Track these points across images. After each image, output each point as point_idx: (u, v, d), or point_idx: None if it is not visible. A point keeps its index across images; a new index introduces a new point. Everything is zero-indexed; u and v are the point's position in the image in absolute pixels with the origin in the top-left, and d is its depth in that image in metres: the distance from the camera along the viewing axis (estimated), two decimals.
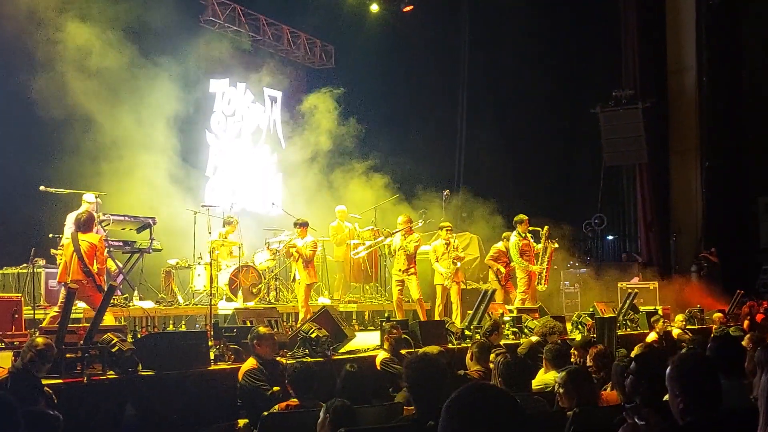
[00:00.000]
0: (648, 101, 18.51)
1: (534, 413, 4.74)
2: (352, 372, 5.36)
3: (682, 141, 19.71)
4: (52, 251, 10.16)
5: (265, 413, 5.08)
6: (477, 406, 2.13)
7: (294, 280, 11.26)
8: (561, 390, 4.66)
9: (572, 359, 6.74)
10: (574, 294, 16.11)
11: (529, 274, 12.31)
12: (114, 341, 5.93)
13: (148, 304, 10.30)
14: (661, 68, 19.63)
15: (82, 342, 5.95)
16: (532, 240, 12.56)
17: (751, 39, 19.51)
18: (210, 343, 7.14)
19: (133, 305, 10.11)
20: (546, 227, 12.64)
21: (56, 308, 8.53)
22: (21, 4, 11.15)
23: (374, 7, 17.89)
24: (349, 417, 4.27)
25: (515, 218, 12.68)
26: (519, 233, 12.44)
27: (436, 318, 11.48)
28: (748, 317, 13.54)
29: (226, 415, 6.20)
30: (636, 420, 3.53)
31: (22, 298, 9.31)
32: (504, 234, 13.24)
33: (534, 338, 8.78)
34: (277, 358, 6.56)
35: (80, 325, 7.11)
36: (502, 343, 8.54)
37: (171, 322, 10.68)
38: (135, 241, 10.44)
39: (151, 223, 10.72)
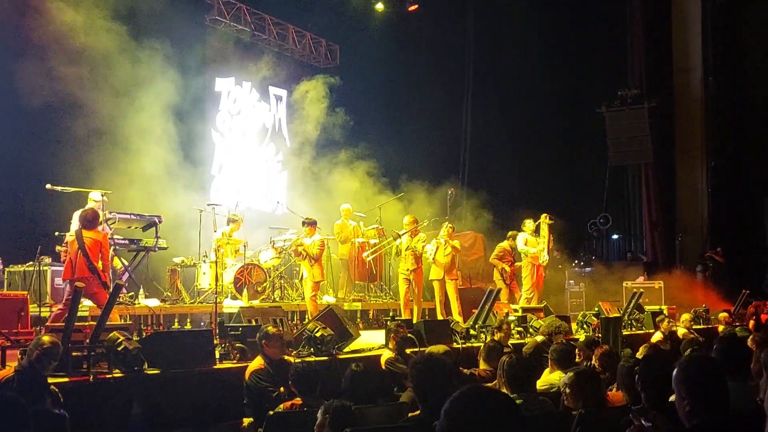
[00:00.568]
0: (654, 101, 18.48)
1: (539, 414, 4.74)
2: (357, 371, 5.35)
3: (688, 140, 19.67)
4: (58, 248, 10.18)
5: (271, 412, 5.09)
6: (474, 408, 2.14)
7: (301, 278, 11.28)
8: (567, 390, 4.65)
9: (577, 359, 6.74)
10: (579, 293, 16.09)
11: (532, 269, 12.54)
12: (120, 340, 5.94)
13: (154, 303, 10.33)
14: (666, 68, 19.58)
15: (88, 340, 5.97)
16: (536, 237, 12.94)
17: (757, 39, 19.42)
18: (215, 342, 7.15)
19: (139, 303, 10.13)
20: (545, 214, 12.95)
21: (60, 305, 8.55)
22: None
23: (379, 7, 17.88)
24: (348, 417, 4.24)
25: (522, 224, 13.08)
26: (525, 233, 12.96)
27: (439, 314, 11.62)
28: (754, 317, 13.50)
29: (232, 413, 6.21)
30: (643, 422, 3.52)
31: (28, 296, 9.34)
32: (509, 233, 13.27)
33: (539, 338, 8.78)
34: (285, 357, 6.56)
35: (86, 323, 7.13)
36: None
37: (176, 320, 10.70)
38: (141, 240, 10.44)
39: (157, 221, 10.70)
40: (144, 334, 8.70)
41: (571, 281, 16.51)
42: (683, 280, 17.00)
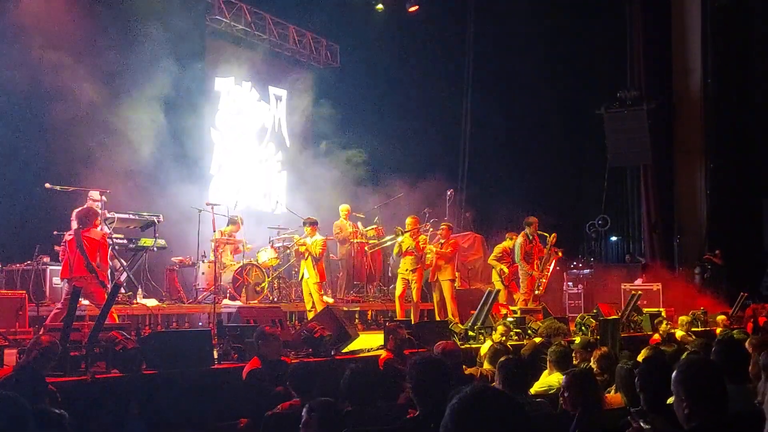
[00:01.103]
0: (653, 102, 18.50)
1: (536, 415, 4.73)
2: (355, 372, 5.34)
3: (687, 142, 19.69)
4: (56, 248, 10.17)
5: (268, 413, 5.09)
6: (478, 409, 2.14)
7: (301, 278, 11.27)
8: (565, 392, 4.64)
9: (574, 361, 6.73)
10: (578, 295, 16.08)
11: (530, 279, 12.39)
12: (118, 339, 5.94)
13: (152, 302, 10.31)
14: (666, 69, 19.61)
15: (86, 340, 5.96)
16: (539, 242, 12.58)
17: (757, 40, 19.44)
18: (214, 342, 7.15)
19: (137, 303, 10.12)
20: (554, 234, 12.57)
21: (58, 304, 8.54)
22: None
23: (380, 6, 17.88)
24: (333, 414, 4.19)
25: (525, 220, 12.71)
26: (527, 234, 12.49)
27: (437, 315, 11.66)
28: (752, 320, 13.50)
29: (230, 413, 6.20)
30: (641, 424, 3.52)
31: (27, 295, 9.32)
32: (508, 234, 13.23)
33: (538, 339, 8.77)
34: (283, 358, 6.55)
35: (85, 323, 7.12)
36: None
37: (174, 320, 10.69)
38: (139, 239, 10.46)
39: (156, 221, 10.73)
40: (142, 333, 8.70)
41: (570, 283, 16.50)
42: (682, 282, 17.01)
